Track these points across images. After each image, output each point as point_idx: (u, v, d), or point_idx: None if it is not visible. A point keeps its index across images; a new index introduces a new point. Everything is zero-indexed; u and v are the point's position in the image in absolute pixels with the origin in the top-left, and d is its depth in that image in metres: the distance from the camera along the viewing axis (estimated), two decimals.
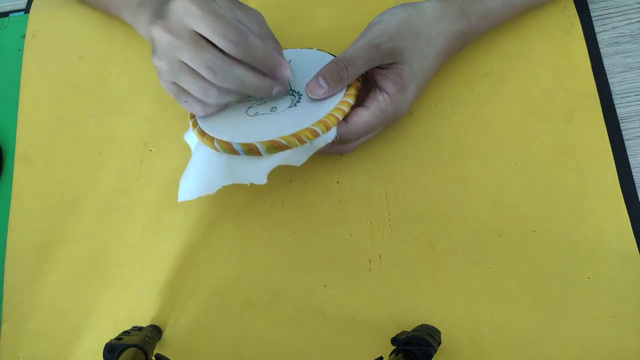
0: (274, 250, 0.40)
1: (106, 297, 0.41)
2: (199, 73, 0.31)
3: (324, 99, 0.35)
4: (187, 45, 0.30)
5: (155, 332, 0.38)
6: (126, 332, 0.36)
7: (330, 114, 0.34)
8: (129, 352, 0.32)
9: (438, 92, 0.41)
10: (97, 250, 0.43)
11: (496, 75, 0.41)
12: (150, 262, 0.41)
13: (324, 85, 0.34)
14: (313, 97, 0.34)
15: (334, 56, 0.39)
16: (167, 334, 0.40)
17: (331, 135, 0.34)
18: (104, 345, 0.33)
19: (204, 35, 0.30)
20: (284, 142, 0.33)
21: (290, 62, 0.39)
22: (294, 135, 0.33)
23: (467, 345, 0.36)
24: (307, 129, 0.33)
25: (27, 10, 0.52)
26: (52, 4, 0.52)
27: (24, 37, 0.51)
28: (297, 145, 0.33)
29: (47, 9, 0.52)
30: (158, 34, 0.31)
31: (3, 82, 0.50)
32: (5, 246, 0.44)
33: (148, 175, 0.44)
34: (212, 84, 0.32)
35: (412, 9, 0.36)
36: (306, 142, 0.33)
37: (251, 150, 0.33)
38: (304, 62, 0.39)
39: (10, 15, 0.53)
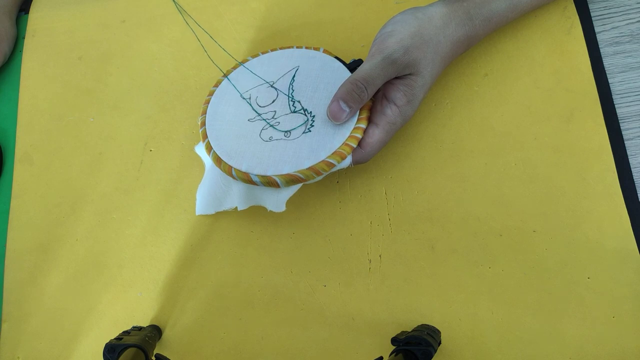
0: (274, 250, 0.40)
1: (106, 297, 0.41)
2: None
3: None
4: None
5: (155, 332, 0.38)
6: (126, 332, 0.36)
7: (345, 144, 0.35)
8: (129, 352, 0.32)
9: (438, 92, 0.41)
10: (97, 250, 0.43)
11: (496, 76, 0.41)
12: (150, 262, 0.41)
13: (346, 109, 0.34)
14: (336, 122, 0.35)
15: (342, 61, 0.39)
16: (167, 334, 0.40)
17: (346, 162, 0.35)
18: (104, 345, 0.33)
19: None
20: (302, 176, 0.34)
21: (297, 68, 0.39)
22: (310, 168, 0.34)
23: (467, 345, 0.36)
24: (324, 161, 0.34)
25: (27, 10, 0.52)
26: (52, 4, 0.52)
27: (24, 37, 0.51)
28: (314, 178, 0.35)
29: (47, 9, 0.52)
30: None
31: (3, 82, 0.50)
32: (5, 246, 0.44)
33: (148, 175, 0.44)
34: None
35: (422, 15, 0.35)
36: (323, 174, 0.35)
37: (270, 183, 0.35)
38: (313, 70, 0.39)
39: None
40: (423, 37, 0.34)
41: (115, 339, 0.34)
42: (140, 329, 0.38)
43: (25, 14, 0.52)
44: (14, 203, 0.45)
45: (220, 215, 0.41)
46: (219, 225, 0.41)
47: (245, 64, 0.41)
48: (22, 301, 0.42)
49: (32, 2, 0.53)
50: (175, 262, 0.41)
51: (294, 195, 0.38)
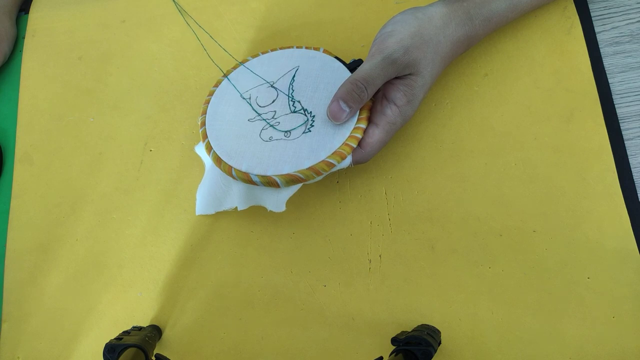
0: (274, 250, 0.40)
1: (106, 297, 0.41)
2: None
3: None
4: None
5: (155, 332, 0.38)
6: (126, 332, 0.36)
7: (345, 144, 0.35)
8: (129, 352, 0.32)
9: (438, 92, 0.41)
10: (97, 250, 0.43)
11: (496, 76, 0.41)
12: (150, 262, 0.41)
13: (346, 109, 0.34)
14: (336, 122, 0.35)
15: (342, 61, 0.39)
16: (167, 334, 0.40)
17: (346, 162, 0.35)
18: (104, 345, 0.33)
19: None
20: (302, 176, 0.34)
21: (298, 68, 0.39)
22: (311, 168, 0.34)
23: (467, 345, 0.36)
24: (324, 161, 0.34)
25: (27, 10, 0.52)
26: (52, 4, 0.52)
27: (24, 37, 0.51)
28: (314, 178, 0.35)
29: (47, 9, 0.52)
30: None
31: (3, 82, 0.50)
32: (5, 246, 0.44)
33: (148, 175, 0.44)
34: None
35: (422, 15, 0.35)
36: (323, 174, 0.35)
37: (270, 183, 0.35)
38: (313, 70, 0.39)
39: None
40: (423, 37, 0.34)
41: (115, 339, 0.34)
42: (140, 329, 0.38)
43: (25, 14, 0.52)
44: (14, 203, 0.45)
45: (220, 215, 0.41)
46: (219, 225, 0.41)
47: (245, 64, 0.41)
48: (22, 301, 0.42)
49: (32, 2, 0.53)
50: (175, 262, 0.41)
51: (294, 195, 0.38)
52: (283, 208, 0.37)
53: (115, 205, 0.43)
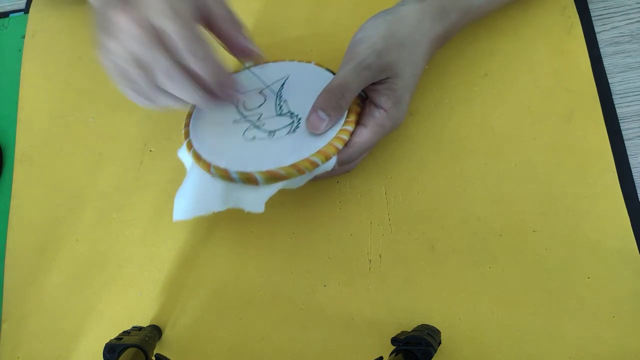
0: (274, 250, 0.40)
1: (106, 297, 0.41)
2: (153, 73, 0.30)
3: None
4: (152, 46, 0.29)
5: (155, 332, 0.38)
6: (126, 332, 0.36)
7: (330, 144, 0.34)
8: (129, 352, 0.32)
9: (438, 93, 0.41)
10: (97, 250, 0.43)
11: (496, 75, 0.41)
12: (150, 262, 0.41)
13: (325, 117, 0.33)
14: (316, 132, 0.34)
15: (334, 74, 0.38)
16: (167, 334, 0.40)
17: (331, 163, 0.34)
18: (104, 345, 0.33)
19: (170, 40, 0.29)
20: (283, 173, 0.33)
21: (288, 77, 0.39)
22: (293, 166, 0.32)
23: (467, 345, 0.36)
24: (307, 159, 0.33)
25: (27, 10, 0.52)
26: (52, 4, 0.52)
27: (24, 37, 0.51)
28: (295, 176, 0.33)
29: (47, 9, 0.52)
30: (124, 21, 0.28)
31: (3, 82, 0.50)
32: (5, 246, 0.44)
33: (148, 175, 0.44)
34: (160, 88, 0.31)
35: (392, 17, 0.35)
36: (305, 172, 0.33)
37: (249, 180, 0.33)
38: (303, 79, 0.38)
39: (10, 15, 0.53)
40: (397, 38, 0.34)
41: (115, 339, 0.34)
42: (140, 329, 0.38)
43: (25, 13, 0.52)
44: (14, 203, 0.45)
45: (220, 215, 0.41)
46: (219, 225, 0.41)
47: (237, 75, 0.41)
48: (22, 301, 0.42)
49: (32, 2, 0.53)
50: (175, 262, 0.41)
51: (294, 195, 0.38)
52: (261, 209, 0.35)
53: (115, 205, 0.43)
